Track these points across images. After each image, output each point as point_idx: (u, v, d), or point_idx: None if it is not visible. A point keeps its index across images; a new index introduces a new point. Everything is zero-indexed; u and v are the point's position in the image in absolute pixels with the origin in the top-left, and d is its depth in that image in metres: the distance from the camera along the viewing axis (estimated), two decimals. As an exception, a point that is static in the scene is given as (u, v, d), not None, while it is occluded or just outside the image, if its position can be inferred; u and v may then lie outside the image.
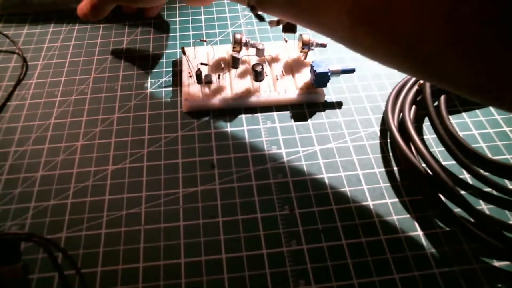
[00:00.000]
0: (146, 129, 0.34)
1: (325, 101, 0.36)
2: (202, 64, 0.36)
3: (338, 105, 0.36)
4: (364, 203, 0.29)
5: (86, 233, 0.28)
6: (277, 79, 0.36)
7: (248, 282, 0.26)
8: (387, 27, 0.20)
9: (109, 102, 0.36)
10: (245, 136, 0.34)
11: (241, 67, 0.37)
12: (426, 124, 0.34)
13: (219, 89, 0.36)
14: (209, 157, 0.32)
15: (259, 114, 0.35)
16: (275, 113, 0.35)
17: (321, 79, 0.34)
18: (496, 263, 0.26)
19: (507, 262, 0.26)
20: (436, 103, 0.34)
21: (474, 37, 0.17)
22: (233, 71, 0.37)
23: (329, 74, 0.34)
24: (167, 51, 0.41)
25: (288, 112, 0.35)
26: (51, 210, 0.29)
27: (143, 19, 0.44)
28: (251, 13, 0.45)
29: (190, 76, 0.37)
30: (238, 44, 0.36)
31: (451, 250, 0.27)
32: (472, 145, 0.31)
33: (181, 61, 0.39)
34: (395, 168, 0.31)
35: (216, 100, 0.35)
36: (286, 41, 0.38)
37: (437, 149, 0.32)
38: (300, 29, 0.34)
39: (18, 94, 0.37)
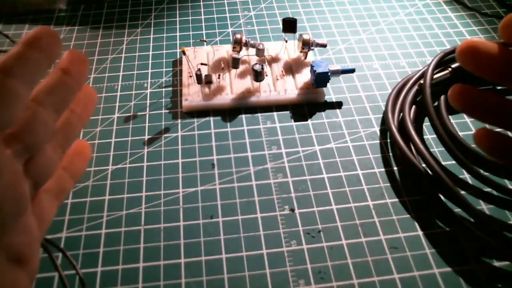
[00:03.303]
0: (146, 129, 0.34)
1: (325, 101, 0.36)
2: (202, 64, 0.36)
3: (338, 105, 0.36)
4: (364, 203, 0.29)
5: (86, 233, 0.28)
6: (277, 79, 0.36)
7: (248, 282, 0.26)
8: None
9: (109, 102, 0.36)
10: (245, 136, 0.33)
11: (241, 67, 0.37)
12: (426, 124, 0.34)
13: (219, 89, 0.36)
14: (209, 157, 0.32)
15: (259, 114, 0.35)
16: (275, 113, 0.35)
17: (321, 79, 0.34)
18: (496, 263, 0.26)
19: (507, 262, 0.26)
20: (436, 103, 0.34)
21: None
22: (233, 71, 0.37)
23: (329, 74, 0.34)
24: (167, 51, 0.41)
25: (288, 112, 0.35)
26: (51, 210, 0.29)
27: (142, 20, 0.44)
28: (251, 13, 0.45)
29: (190, 76, 0.37)
30: (238, 44, 0.36)
31: (451, 250, 0.27)
32: (472, 145, 0.31)
33: (181, 61, 0.39)
34: (395, 168, 0.31)
35: (216, 100, 0.35)
36: (286, 41, 0.38)
37: (437, 149, 0.32)
38: (300, 29, 0.34)
39: (18, 94, 0.37)
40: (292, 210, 0.29)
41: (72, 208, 0.29)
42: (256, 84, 0.36)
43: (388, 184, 0.30)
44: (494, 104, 0.22)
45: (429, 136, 0.33)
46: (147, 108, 0.36)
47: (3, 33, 0.43)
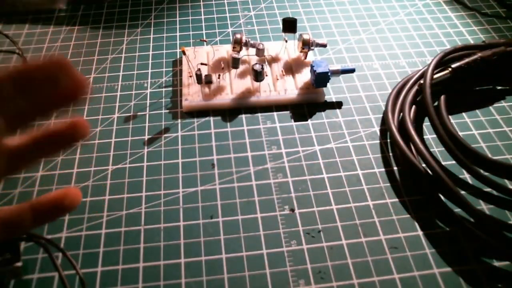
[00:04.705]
0: (146, 129, 0.34)
1: (325, 101, 0.36)
2: (202, 64, 0.36)
3: (338, 105, 0.36)
4: (364, 203, 0.29)
5: (86, 233, 0.28)
6: (277, 79, 0.36)
7: (248, 282, 0.26)
8: None
9: (109, 102, 0.36)
10: (245, 136, 0.33)
11: (241, 67, 0.37)
12: (426, 124, 0.34)
13: (219, 89, 0.36)
14: (209, 157, 0.32)
15: (259, 114, 0.35)
16: (275, 113, 0.35)
17: (321, 79, 0.34)
18: (496, 263, 0.26)
19: (507, 262, 0.26)
20: (436, 103, 0.34)
21: None
22: (233, 71, 0.37)
23: (329, 74, 0.34)
24: (167, 51, 0.41)
25: (288, 112, 0.35)
26: (51, 210, 0.29)
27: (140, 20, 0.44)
28: (251, 13, 0.45)
29: (190, 76, 0.37)
30: (238, 44, 0.36)
31: (451, 250, 0.27)
32: (472, 145, 0.31)
33: (181, 61, 0.39)
34: (395, 168, 0.31)
35: (216, 100, 0.35)
36: (286, 41, 0.38)
37: (437, 149, 0.32)
38: (300, 29, 0.34)
39: (18, 94, 0.37)
40: (292, 210, 0.29)
41: (72, 208, 0.29)
42: (256, 84, 0.36)
43: (388, 184, 0.30)
44: None
45: (429, 136, 0.33)
46: (147, 108, 0.36)
47: (3, 33, 0.43)
